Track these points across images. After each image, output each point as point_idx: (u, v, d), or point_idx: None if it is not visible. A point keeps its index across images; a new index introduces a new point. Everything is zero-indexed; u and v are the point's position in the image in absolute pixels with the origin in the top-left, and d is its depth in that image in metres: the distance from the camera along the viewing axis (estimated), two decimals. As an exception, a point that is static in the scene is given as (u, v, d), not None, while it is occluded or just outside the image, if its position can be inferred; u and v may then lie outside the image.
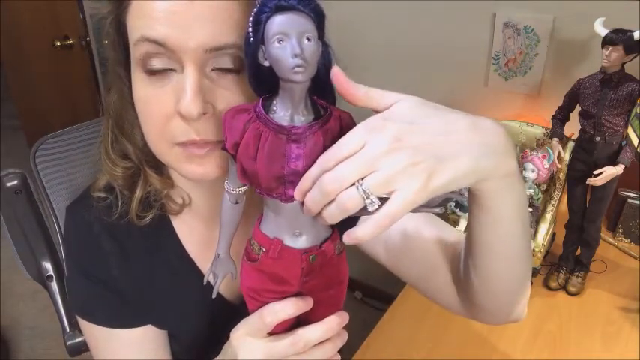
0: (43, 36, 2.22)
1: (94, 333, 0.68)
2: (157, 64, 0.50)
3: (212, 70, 0.50)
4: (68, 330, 0.85)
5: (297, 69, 0.38)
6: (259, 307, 0.50)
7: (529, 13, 1.26)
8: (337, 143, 0.39)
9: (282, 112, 0.42)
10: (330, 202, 0.39)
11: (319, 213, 0.41)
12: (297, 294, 0.50)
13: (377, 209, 0.38)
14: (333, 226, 0.49)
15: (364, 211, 0.38)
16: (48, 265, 0.85)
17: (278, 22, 0.38)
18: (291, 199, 0.42)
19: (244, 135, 0.42)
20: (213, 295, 0.55)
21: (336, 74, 0.41)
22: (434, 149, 0.38)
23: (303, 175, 0.41)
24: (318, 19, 0.40)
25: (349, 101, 0.42)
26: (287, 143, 0.41)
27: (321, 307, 0.51)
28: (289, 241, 0.46)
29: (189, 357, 0.74)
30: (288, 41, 0.38)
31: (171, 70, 0.51)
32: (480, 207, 0.47)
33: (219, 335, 0.61)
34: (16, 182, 0.79)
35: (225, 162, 0.53)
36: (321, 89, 0.43)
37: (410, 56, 1.48)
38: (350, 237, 0.40)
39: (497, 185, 0.44)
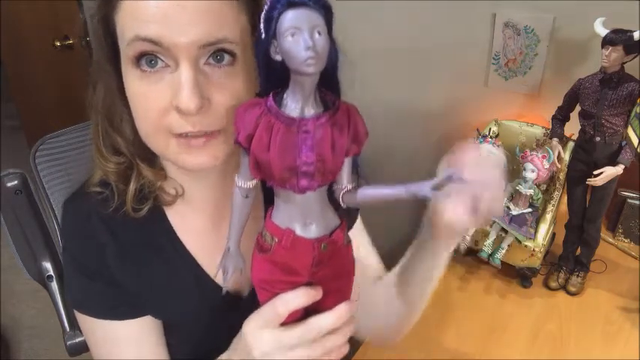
0: (43, 36, 2.21)
1: (92, 327, 0.68)
2: (151, 61, 0.51)
3: (205, 64, 0.52)
4: (68, 330, 0.85)
5: (309, 61, 0.39)
6: (270, 299, 0.51)
7: (529, 13, 1.25)
8: None
9: (293, 105, 0.43)
10: None
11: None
12: (307, 284, 0.51)
13: None
14: (341, 215, 0.50)
15: None
16: (48, 265, 0.85)
17: (291, 17, 0.39)
18: (303, 189, 0.44)
19: (257, 128, 0.43)
20: (223, 292, 0.56)
21: None
22: None
23: (314, 164, 0.43)
24: (327, 14, 0.41)
25: None
26: (298, 134, 0.42)
27: (330, 298, 0.52)
28: (301, 231, 0.47)
29: (186, 348, 0.74)
30: (300, 35, 0.39)
31: (165, 66, 0.51)
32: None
33: (216, 324, 0.61)
34: (16, 182, 0.79)
35: (221, 152, 0.55)
36: (327, 83, 0.44)
37: (410, 56, 1.48)
38: None
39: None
